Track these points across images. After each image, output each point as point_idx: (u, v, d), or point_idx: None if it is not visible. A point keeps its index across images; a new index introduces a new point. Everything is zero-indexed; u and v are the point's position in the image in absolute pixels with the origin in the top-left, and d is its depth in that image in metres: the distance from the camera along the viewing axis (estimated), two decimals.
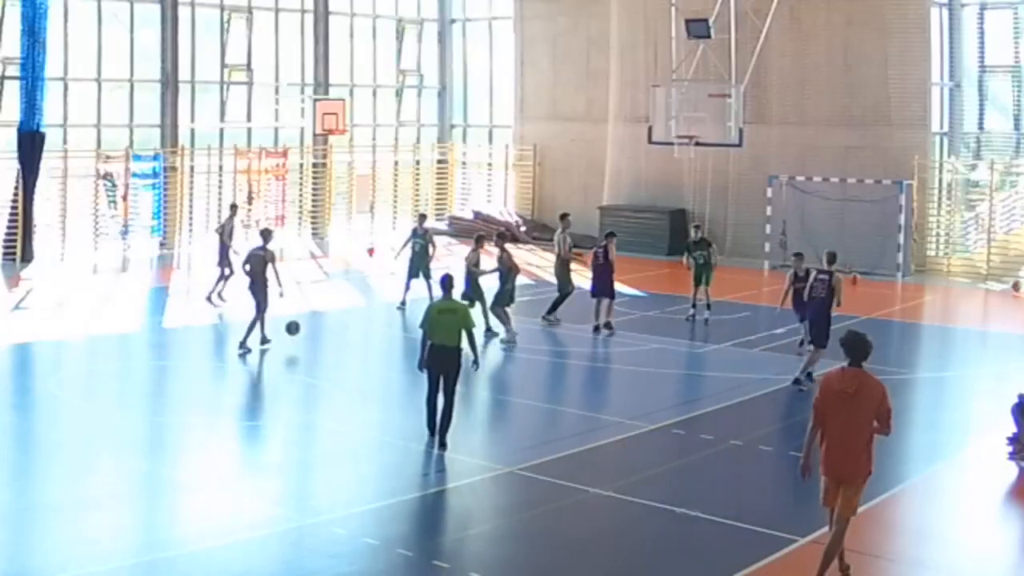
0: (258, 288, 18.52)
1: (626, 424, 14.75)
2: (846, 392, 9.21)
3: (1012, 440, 13.27)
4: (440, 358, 13.36)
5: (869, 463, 9.27)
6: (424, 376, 13.57)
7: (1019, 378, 16.32)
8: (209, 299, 22.65)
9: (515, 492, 12.38)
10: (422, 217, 24.82)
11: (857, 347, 9.36)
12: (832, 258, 17.29)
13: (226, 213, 24.77)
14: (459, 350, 13.40)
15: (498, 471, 12.80)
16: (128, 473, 12.63)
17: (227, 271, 22.61)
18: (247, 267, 18.81)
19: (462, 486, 12.47)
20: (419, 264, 22.47)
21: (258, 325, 18.45)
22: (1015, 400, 13.41)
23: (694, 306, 21.77)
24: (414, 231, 23.16)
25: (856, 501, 9.31)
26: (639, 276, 26.97)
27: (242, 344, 18.28)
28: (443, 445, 13.34)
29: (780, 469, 13.28)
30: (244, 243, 23.55)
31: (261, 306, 18.48)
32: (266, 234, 19.16)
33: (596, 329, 20.49)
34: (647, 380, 17.36)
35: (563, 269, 21.31)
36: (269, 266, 18.50)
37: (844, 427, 9.16)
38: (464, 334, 13.35)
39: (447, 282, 13.81)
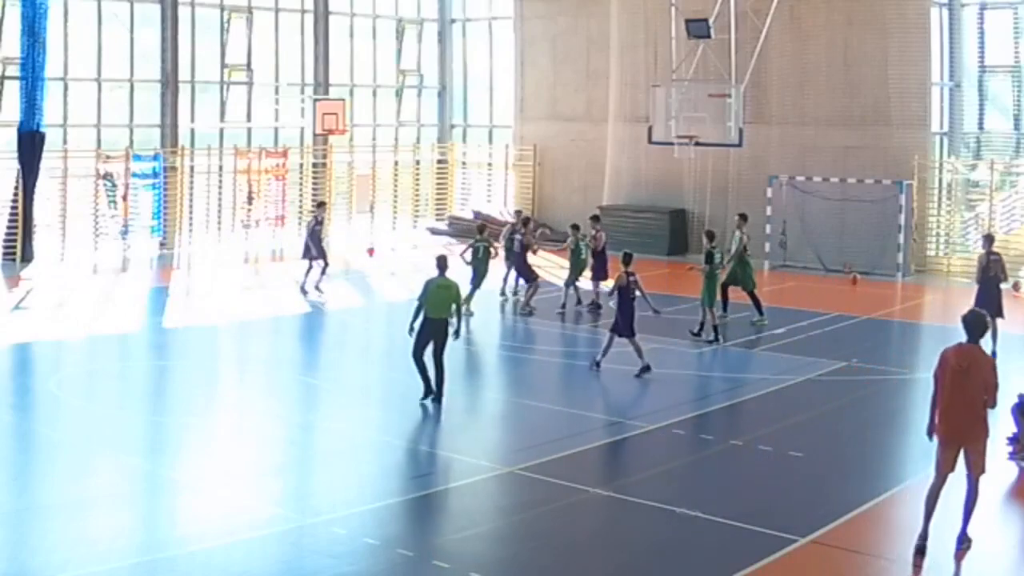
0: (479, 268, 22.11)
1: (626, 424, 14.75)
2: (961, 367, 10.26)
3: (1012, 440, 13.27)
4: (433, 327, 15.22)
5: (986, 426, 10.39)
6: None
7: (1019, 378, 16.31)
8: (318, 288, 24.02)
9: (515, 492, 12.38)
10: (483, 218, 24.90)
11: (977, 325, 10.48)
12: (991, 240, 19.92)
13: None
14: (447, 321, 15.31)
15: (498, 471, 12.80)
16: (128, 473, 12.62)
17: (323, 263, 24.05)
18: (467, 256, 22.10)
19: (462, 486, 12.47)
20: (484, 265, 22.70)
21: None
22: (1015, 400, 13.40)
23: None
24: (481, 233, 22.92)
25: (983, 460, 10.40)
26: (639, 276, 26.95)
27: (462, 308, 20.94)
28: (439, 400, 15.26)
29: (780, 469, 13.27)
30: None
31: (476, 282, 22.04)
32: (482, 228, 22.88)
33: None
34: (647, 380, 17.35)
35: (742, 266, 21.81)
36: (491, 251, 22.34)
37: (959, 398, 10.24)
38: (453, 307, 15.39)
39: (442, 262, 15.60)
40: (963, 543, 10.43)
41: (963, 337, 10.64)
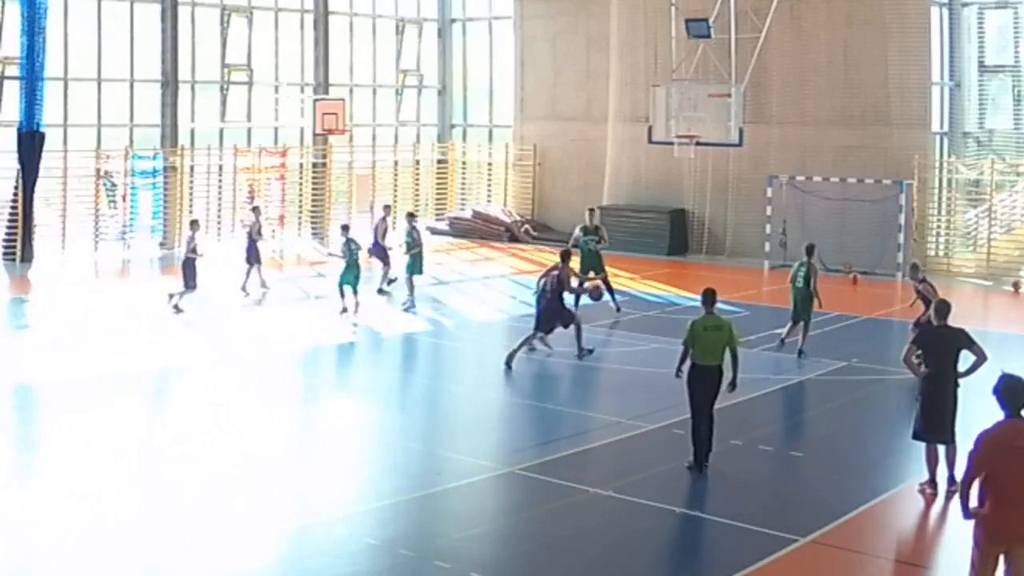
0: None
1: (626, 424, 14.75)
2: (1022, 447, 7.95)
3: None
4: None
5: None
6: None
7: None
8: (381, 291, 24.08)
9: (515, 492, 12.38)
10: (591, 212, 23.78)
11: (1018, 395, 8.06)
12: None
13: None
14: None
15: (498, 471, 12.81)
16: (127, 473, 12.63)
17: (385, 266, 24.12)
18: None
19: (462, 486, 12.47)
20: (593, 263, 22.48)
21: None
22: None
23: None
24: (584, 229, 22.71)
25: None
26: (639, 276, 27.01)
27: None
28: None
29: (780, 469, 13.27)
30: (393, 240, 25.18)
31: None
32: (564, 257, 18.52)
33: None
34: (647, 380, 17.36)
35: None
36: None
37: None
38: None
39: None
40: None
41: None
